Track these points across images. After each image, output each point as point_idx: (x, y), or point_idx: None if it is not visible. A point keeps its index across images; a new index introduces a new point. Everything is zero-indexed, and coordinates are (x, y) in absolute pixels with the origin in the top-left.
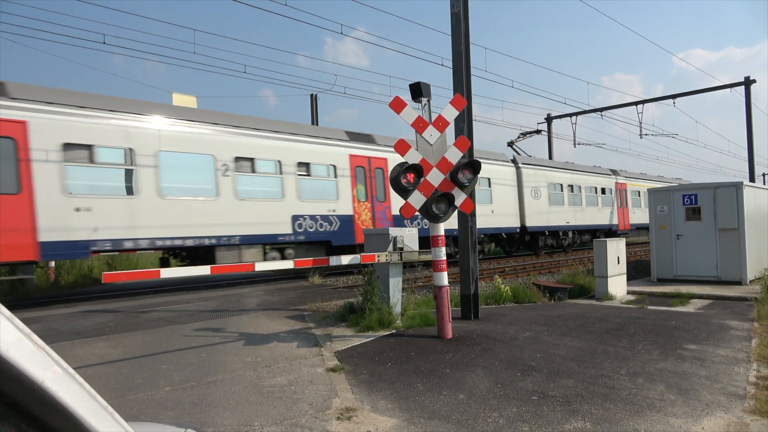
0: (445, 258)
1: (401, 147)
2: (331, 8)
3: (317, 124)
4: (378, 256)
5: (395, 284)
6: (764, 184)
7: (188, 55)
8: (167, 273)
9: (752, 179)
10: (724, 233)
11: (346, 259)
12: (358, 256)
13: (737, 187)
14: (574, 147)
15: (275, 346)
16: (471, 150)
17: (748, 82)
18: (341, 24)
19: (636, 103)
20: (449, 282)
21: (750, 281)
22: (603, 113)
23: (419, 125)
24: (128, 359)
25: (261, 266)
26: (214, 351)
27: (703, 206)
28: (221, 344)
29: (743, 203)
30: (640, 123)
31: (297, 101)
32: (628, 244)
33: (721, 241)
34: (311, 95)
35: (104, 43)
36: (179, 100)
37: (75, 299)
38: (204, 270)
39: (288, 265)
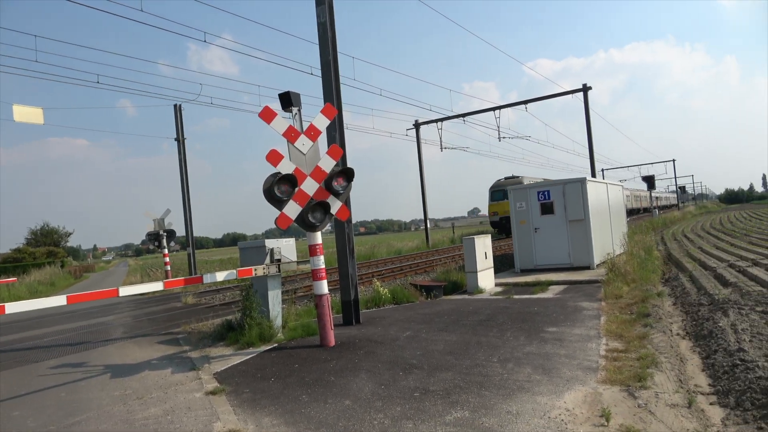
0: (323, 267)
1: (273, 157)
2: (193, 15)
3: (183, 135)
4: (255, 270)
5: (274, 297)
6: (603, 179)
7: (28, 63)
8: (13, 308)
9: (593, 175)
10: (573, 224)
11: (221, 276)
12: (234, 271)
13: (581, 182)
14: (441, 151)
15: (147, 376)
16: (344, 158)
17: (585, 89)
18: (204, 32)
19: (494, 109)
20: (330, 289)
21: (597, 265)
22: (465, 119)
23: (291, 135)
24: None
25: (125, 291)
26: (77, 389)
27: (555, 201)
28: (84, 380)
29: (587, 196)
30: (498, 127)
31: (160, 112)
32: None
33: (572, 232)
34: (175, 105)
35: None
36: (21, 112)
37: None
38: (58, 301)
39: (157, 287)
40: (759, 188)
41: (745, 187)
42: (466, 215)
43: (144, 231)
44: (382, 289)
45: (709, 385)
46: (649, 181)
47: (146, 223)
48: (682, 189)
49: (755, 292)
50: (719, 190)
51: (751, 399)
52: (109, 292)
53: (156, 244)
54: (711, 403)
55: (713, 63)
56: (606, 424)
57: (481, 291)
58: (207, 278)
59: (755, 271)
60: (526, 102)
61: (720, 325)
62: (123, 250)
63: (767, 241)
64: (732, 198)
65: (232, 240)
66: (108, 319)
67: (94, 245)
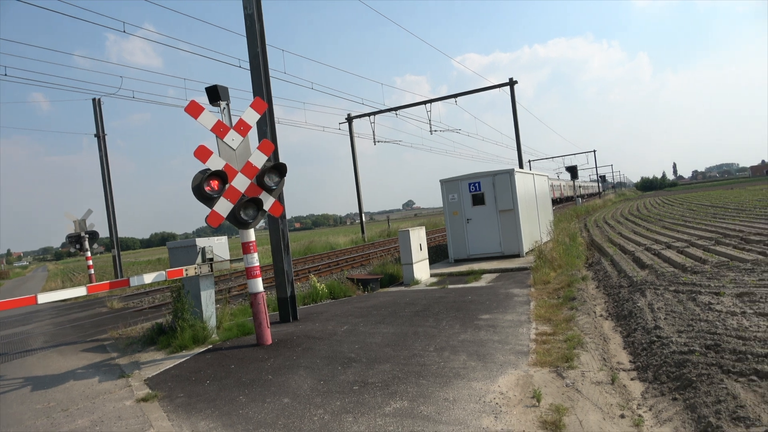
0: (258, 264)
1: (201, 153)
2: (111, 3)
3: (103, 131)
4: (186, 270)
5: (207, 297)
6: (530, 169)
7: None
8: None
9: (521, 166)
10: (503, 214)
11: (149, 278)
12: (164, 272)
13: (510, 173)
14: (375, 145)
15: (72, 386)
16: (276, 153)
17: (512, 83)
18: (123, 21)
19: (425, 102)
20: (265, 287)
21: (526, 253)
22: (398, 112)
23: (219, 130)
24: None
25: (45, 297)
26: None
27: (486, 192)
28: (1, 395)
29: (516, 187)
30: (430, 120)
31: (77, 107)
32: None
33: (502, 221)
34: (94, 99)
35: None
36: None
37: None
38: None
39: (80, 292)
40: (670, 176)
41: (659, 175)
42: (401, 208)
43: (64, 233)
44: (318, 284)
45: (630, 361)
46: (573, 171)
47: (66, 225)
48: (603, 178)
49: (668, 273)
50: (636, 178)
51: (667, 372)
52: (26, 300)
53: (77, 246)
54: (632, 379)
55: (628, 59)
56: (537, 404)
57: (417, 282)
58: (134, 281)
59: (668, 253)
60: (455, 96)
61: (638, 305)
62: (41, 254)
63: (678, 226)
64: (647, 186)
65: (160, 240)
66: (27, 328)
67: (8, 250)
